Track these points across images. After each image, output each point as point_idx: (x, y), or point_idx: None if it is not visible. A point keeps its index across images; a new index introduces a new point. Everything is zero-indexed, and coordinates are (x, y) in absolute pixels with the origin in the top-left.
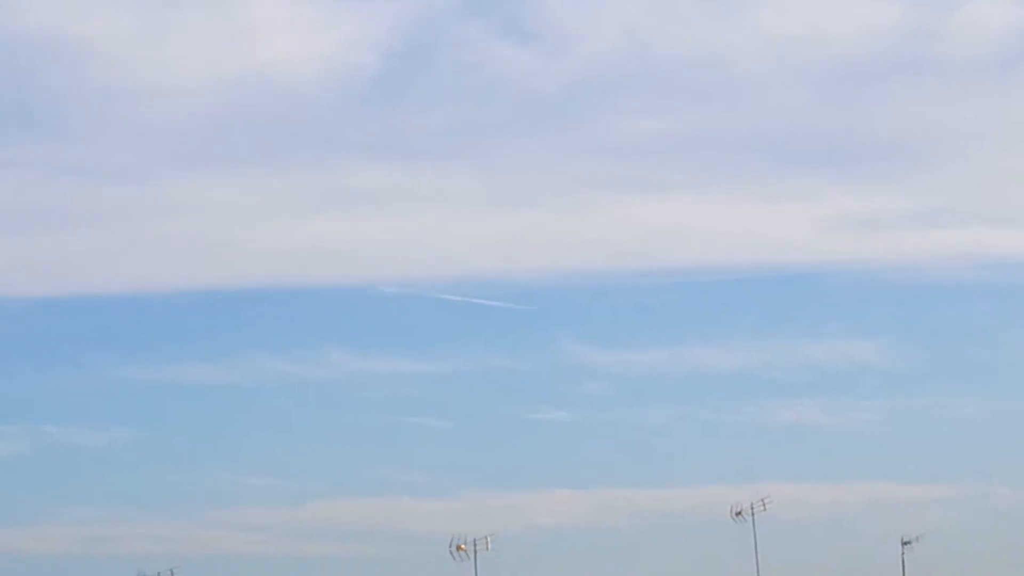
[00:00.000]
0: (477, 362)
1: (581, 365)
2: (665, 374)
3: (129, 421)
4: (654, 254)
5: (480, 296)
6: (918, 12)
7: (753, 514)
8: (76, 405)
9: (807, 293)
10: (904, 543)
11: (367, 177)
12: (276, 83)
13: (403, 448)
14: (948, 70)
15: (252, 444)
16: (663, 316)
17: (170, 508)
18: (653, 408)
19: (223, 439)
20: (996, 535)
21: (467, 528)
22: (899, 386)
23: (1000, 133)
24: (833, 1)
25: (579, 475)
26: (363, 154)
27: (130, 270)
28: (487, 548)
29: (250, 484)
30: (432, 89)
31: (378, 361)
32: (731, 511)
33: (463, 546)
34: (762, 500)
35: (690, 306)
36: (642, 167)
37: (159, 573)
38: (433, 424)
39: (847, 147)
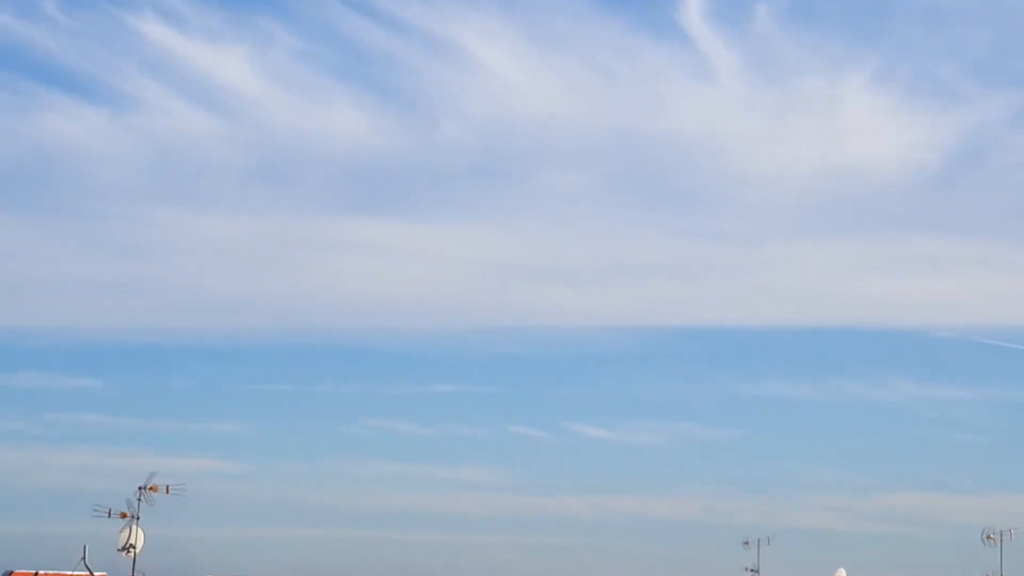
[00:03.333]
0: (1010, 394)
1: None
2: None
3: (740, 423)
4: None
5: (1013, 341)
6: None
7: None
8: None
9: None
10: None
11: (924, 248)
12: (862, 174)
13: (948, 456)
14: None
15: (832, 446)
16: None
17: (767, 490)
18: None
19: (811, 441)
20: None
21: (994, 521)
22: None
23: None
24: None
25: None
26: (925, 231)
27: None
28: (1011, 538)
29: (829, 476)
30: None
31: (932, 389)
32: None
33: (992, 535)
34: None
35: None
36: None
37: (758, 539)
38: (973, 439)
39: None
